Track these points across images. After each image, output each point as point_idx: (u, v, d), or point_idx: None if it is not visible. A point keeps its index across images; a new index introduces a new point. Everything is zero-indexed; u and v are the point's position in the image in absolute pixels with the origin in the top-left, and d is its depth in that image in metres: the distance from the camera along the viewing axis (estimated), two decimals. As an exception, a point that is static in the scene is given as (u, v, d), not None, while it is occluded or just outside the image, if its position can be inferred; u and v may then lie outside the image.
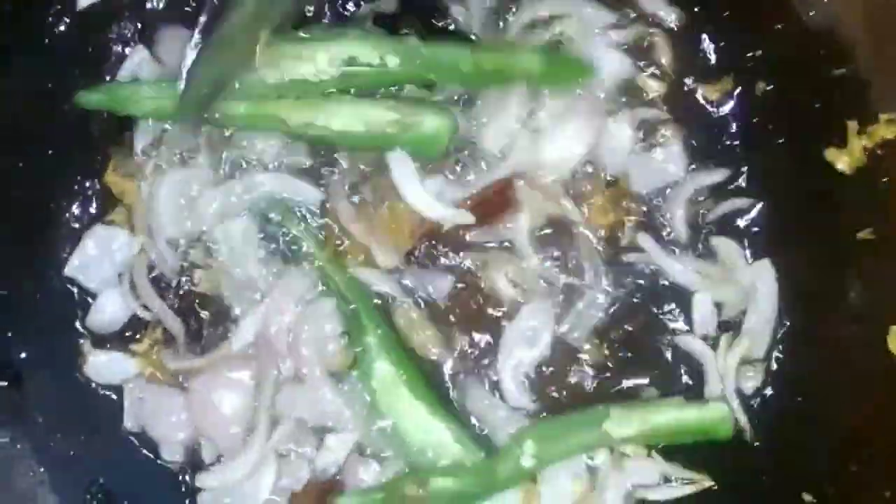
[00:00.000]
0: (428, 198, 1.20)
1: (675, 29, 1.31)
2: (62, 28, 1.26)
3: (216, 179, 1.24)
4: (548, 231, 1.26)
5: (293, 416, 1.19)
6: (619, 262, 1.27)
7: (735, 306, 1.27)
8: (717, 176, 1.29)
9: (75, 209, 1.28)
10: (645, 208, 1.28)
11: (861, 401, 1.17)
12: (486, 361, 1.25)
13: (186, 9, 1.29)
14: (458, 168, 1.25)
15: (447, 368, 1.25)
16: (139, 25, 1.29)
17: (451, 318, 1.26)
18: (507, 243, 1.26)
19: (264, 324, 1.19)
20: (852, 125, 1.17)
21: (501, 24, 1.29)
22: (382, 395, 1.18)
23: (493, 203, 1.24)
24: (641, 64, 1.29)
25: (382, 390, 1.18)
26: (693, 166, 1.29)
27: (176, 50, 1.23)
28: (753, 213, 1.29)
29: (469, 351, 1.25)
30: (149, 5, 1.30)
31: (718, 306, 1.27)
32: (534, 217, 1.25)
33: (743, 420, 1.23)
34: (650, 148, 1.28)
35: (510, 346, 1.23)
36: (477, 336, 1.26)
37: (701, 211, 1.29)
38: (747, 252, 1.28)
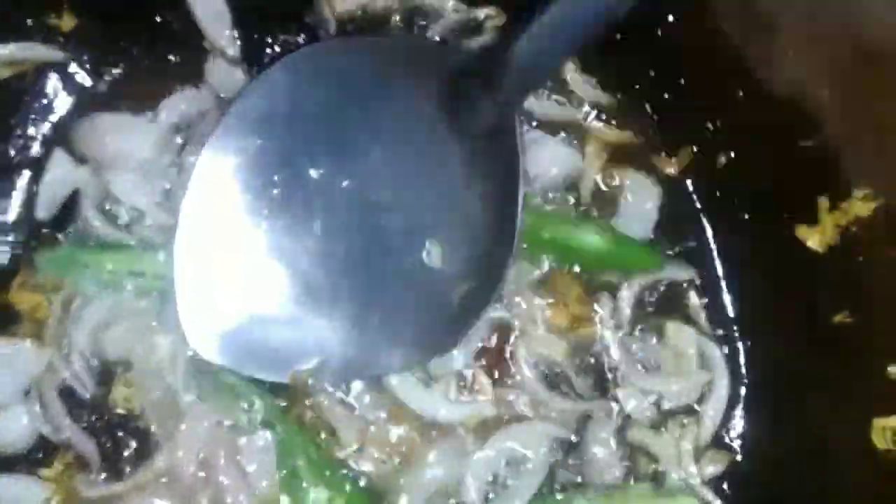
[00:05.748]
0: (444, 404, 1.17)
1: (618, 105, 1.27)
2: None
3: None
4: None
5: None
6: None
7: (687, 393, 1.21)
8: (685, 275, 1.25)
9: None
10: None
11: (847, 497, 1.10)
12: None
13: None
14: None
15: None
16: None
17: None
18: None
19: (181, 450, 1.11)
20: (823, 201, 1.10)
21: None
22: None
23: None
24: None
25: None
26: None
27: (97, 139, 1.18)
28: (719, 293, 1.25)
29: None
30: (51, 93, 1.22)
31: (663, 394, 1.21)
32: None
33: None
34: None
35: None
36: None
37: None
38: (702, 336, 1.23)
